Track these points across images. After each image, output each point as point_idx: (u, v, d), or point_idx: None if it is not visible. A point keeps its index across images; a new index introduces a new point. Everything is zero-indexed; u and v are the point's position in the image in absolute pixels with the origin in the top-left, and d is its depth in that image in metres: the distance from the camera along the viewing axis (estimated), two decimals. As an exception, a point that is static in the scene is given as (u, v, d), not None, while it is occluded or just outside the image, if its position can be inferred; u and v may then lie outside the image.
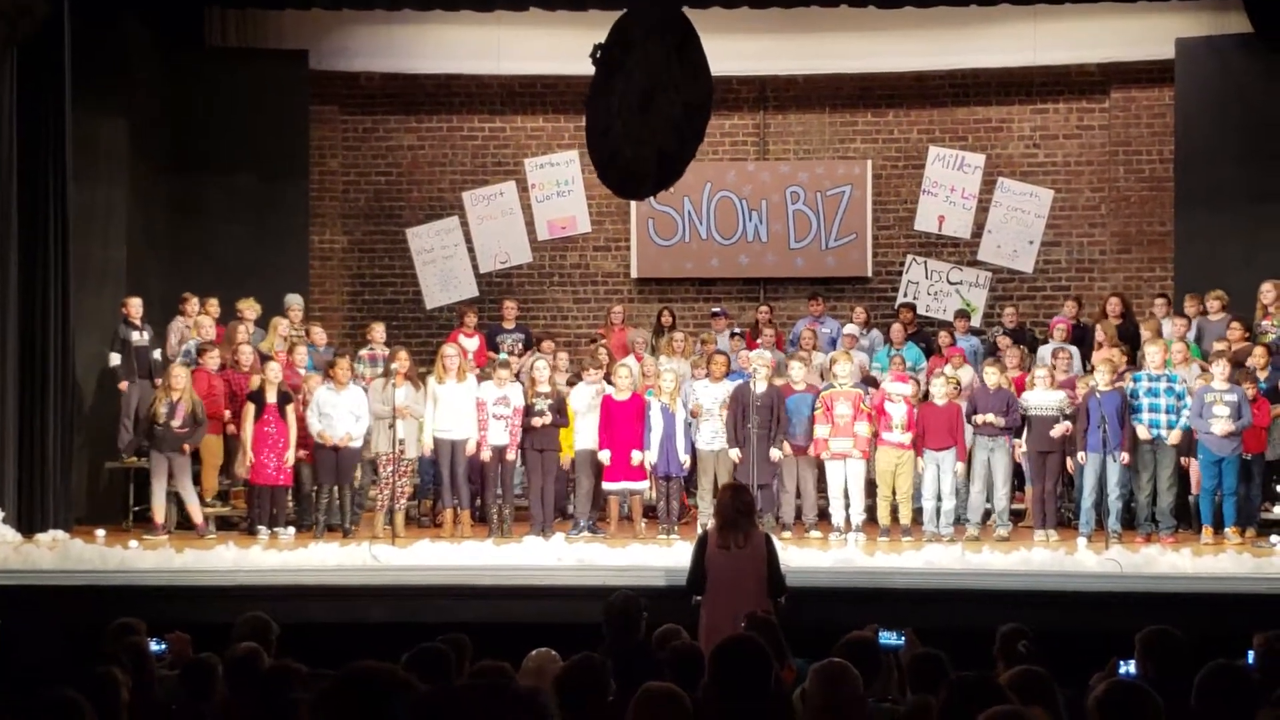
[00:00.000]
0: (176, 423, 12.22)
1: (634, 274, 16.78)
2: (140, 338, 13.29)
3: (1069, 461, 12.23)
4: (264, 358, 13.05)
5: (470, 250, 16.81)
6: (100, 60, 13.45)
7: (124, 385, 13.20)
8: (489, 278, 16.83)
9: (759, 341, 14.57)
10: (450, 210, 16.91)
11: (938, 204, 16.57)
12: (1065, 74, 16.34)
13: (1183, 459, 12.16)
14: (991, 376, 12.47)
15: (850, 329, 14.76)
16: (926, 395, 12.83)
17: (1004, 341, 14.07)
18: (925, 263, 16.55)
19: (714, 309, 15.88)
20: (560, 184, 16.84)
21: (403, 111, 16.95)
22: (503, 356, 13.92)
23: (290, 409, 12.46)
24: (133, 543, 11.49)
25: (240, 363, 13.07)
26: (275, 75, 15.62)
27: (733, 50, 15.38)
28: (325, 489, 12.48)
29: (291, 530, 12.44)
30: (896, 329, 14.79)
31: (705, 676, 5.02)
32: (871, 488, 12.59)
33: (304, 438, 12.57)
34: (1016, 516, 12.84)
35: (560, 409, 12.63)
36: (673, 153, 9.97)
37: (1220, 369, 11.90)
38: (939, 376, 12.68)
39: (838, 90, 16.71)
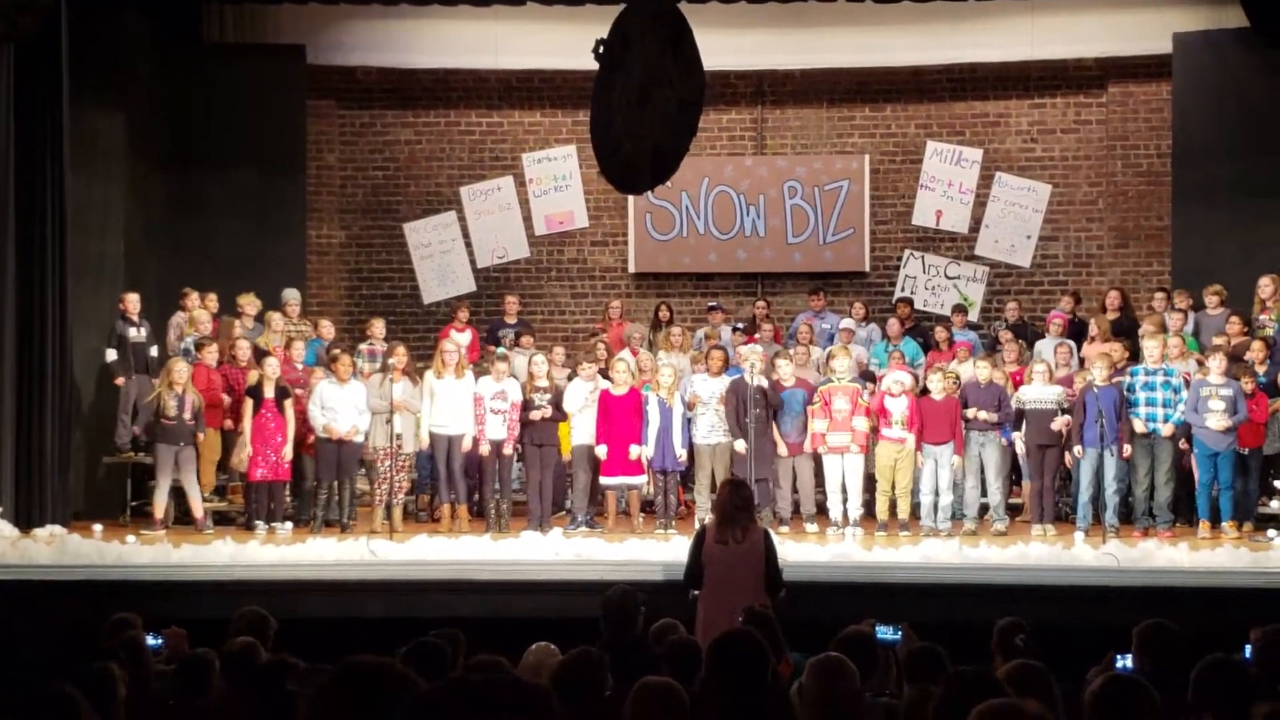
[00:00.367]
0: (186, 415, 12.21)
1: (631, 269, 16.77)
2: (138, 334, 13.28)
3: (1067, 456, 12.24)
4: (261, 353, 13.04)
5: (468, 245, 16.81)
6: (98, 55, 13.44)
7: (120, 380, 13.19)
8: (486, 273, 16.83)
9: (757, 337, 14.56)
10: (448, 205, 16.90)
11: (935, 199, 16.57)
12: (1063, 68, 16.34)
13: (1184, 455, 12.18)
14: (983, 371, 12.49)
15: (847, 323, 14.76)
16: (925, 390, 12.82)
17: (1006, 335, 14.07)
18: (923, 257, 16.55)
19: (710, 304, 15.88)
20: (558, 179, 16.83)
21: (400, 106, 16.94)
22: (501, 350, 13.91)
23: (288, 404, 12.46)
24: (130, 538, 11.51)
25: (237, 358, 13.06)
26: (272, 70, 15.60)
27: (730, 45, 15.43)
28: (325, 484, 12.47)
29: (289, 525, 12.44)
30: (893, 324, 14.79)
31: (703, 671, 5.02)
32: (869, 482, 12.59)
33: (304, 432, 12.57)
34: (1014, 511, 12.86)
35: (558, 403, 12.63)
36: (668, 148, 9.97)
37: (1216, 363, 11.91)
38: (937, 371, 12.69)
39: (835, 85, 16.70)
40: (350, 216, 16.95)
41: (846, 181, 16.54)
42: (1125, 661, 6.04)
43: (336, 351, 12.89)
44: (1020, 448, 12.40)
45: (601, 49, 9.84)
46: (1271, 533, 11.56)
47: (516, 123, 16.95)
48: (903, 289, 16.40)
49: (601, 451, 12.57)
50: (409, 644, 5.67)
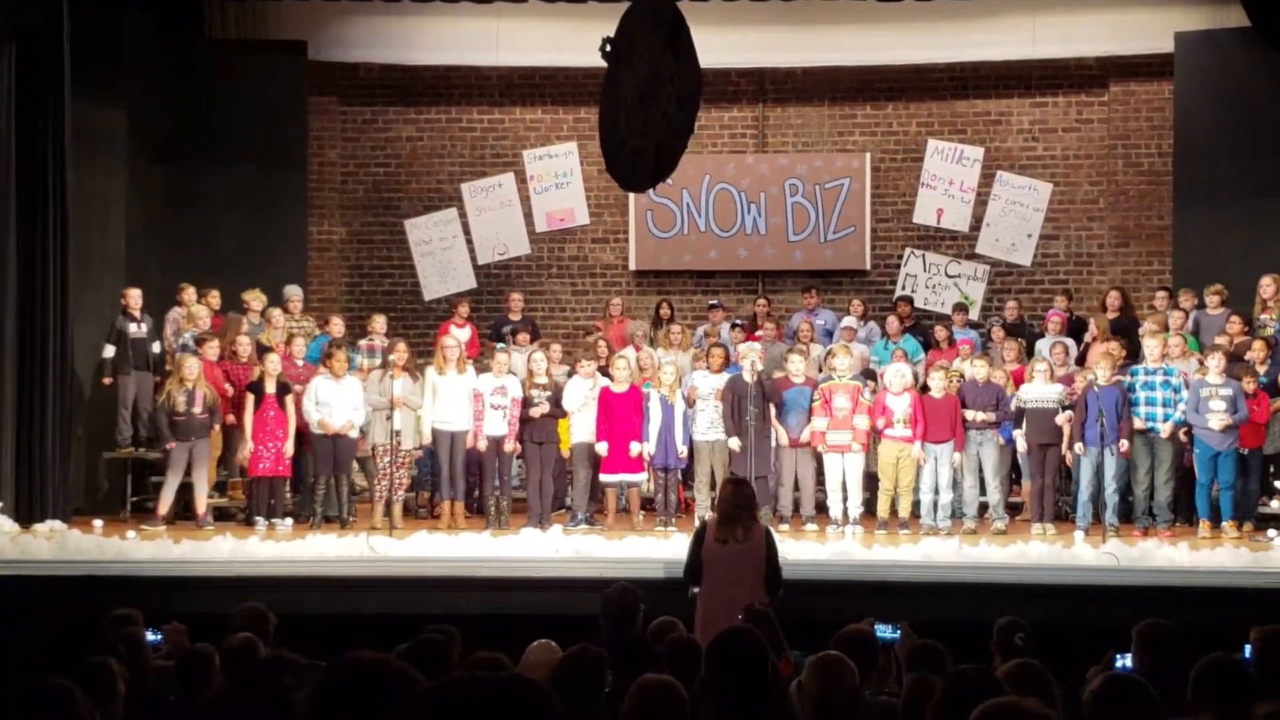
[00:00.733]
0: (198, 409, 12.22)
1: (632, 266, 16.77)
2: (138, 329, 13.28)
3: (1067, 454, 12.24)
4: (263, 349, 13.04)
5: (469, 242, 16.81)
6: (100, 51, 13.44)
7: (107, 380, 13.17)
8: (487, 269, 16.83)
9: (759, 334, 14.57)
10: (449, 202, 16.90)
11: (936, 197, 16.57)
12: (1064, 67, 16.34)
13: (1184, 454, 12.18)
14: (980, 370, 12.49)
15: (848, 321, 14.76)
16: (925, 389, 12.82)
17: (998, 334, 14.08)
18: (923, 256, 16.55)
19: (711, 301, 15.88)
20: (559, 176, 16.83)
21: (401, 102, 16.94)
22: (501, 346, 13.93)
23: (289, 400, 12.47)
24: (130, 533, 11.50)
25: (238, 354, 13.07)
26: (274, 66, 15.60)
27: (732, 42, 15.44)
28: (323, 480, 12.48)
29: (289, 521, 12.44)
30: (893, 322, 14.79)
31: (702, 669, 5.02)
32: (870, 480, 12.59)
33: (304, 428, 12.58)
34: (1014, 510, 12.86)
35: (558, 400, 12.64)
36: (668, 146, 9.98)
37: (1216, 363, 11.91)
38: (938, 370, 12.69)
39: (837, 83, 16.70)
40: (351, 213, 16.96)
41: (848, 179, 16.54)
42: (1125, 661, 6.04)
43: (332, 348, 12.88)
44: (1022, 445, 12.39)
45: (608, 47, 9.85)
46: (1271, 532, 11.56)
47: (518, 119, 16.95)
48: (903, 287, 16.40)
49: (602, 448, 12.57)
50: (409, 641, 5.68)
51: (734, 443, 12.30)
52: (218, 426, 12.64)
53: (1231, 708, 4.59)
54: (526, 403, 12.54)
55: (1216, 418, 11.70)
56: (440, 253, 16.84)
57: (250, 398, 12.42)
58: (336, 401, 12.38)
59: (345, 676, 2.74)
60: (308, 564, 10.70)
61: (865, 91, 16.74)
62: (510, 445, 12.59)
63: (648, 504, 13.12)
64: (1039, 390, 12.34)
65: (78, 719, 3.45)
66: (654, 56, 9.77)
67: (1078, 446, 12.00)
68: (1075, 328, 14.39)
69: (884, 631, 6.59)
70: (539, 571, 10.54)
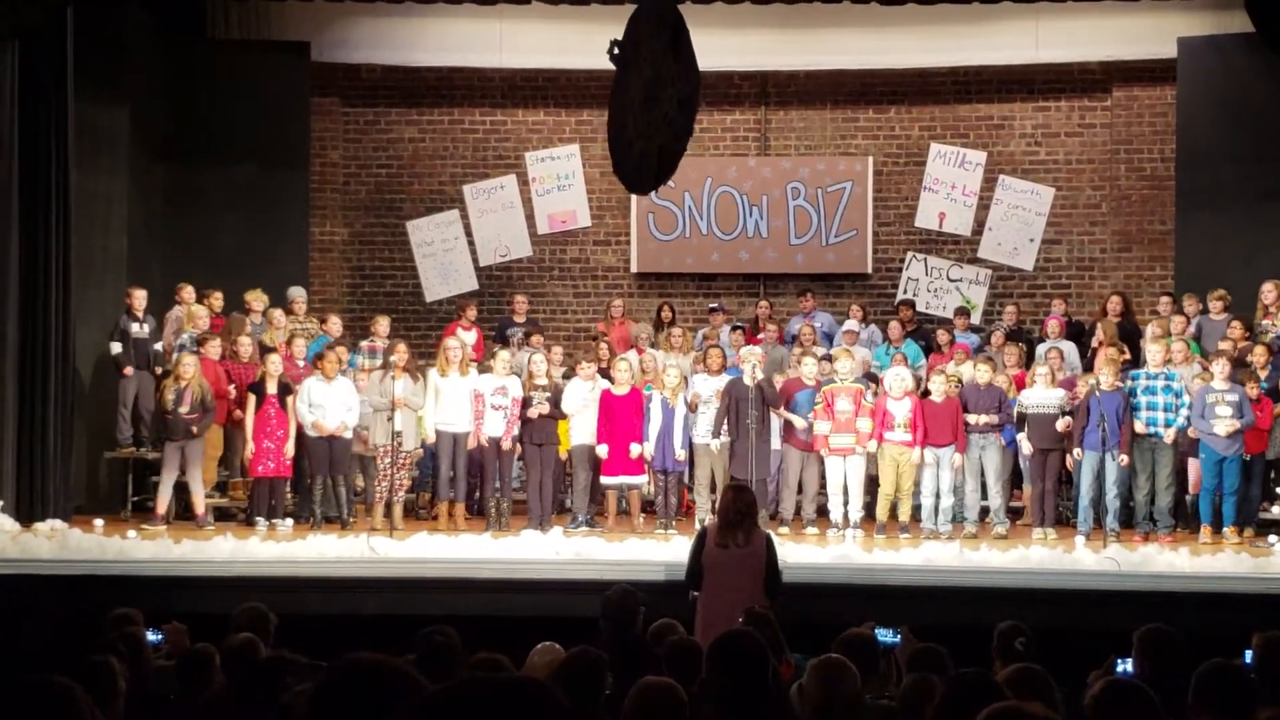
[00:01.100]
0: (185, 409, 12.22)
1: (634, 269, 16.77)
2: (141, 329, 13.29)
3: (1068, 459, 12.24)
4: (265, 349, 13.05)
5: (470, 243, 16.81)
6: (102, 50, 13.46)
7: (128, 371, 13.18)
8: (489, 271, 16.84)
9: (760, 337, 14.56)
10: (451, 203, 16.90)
11: (938, 201, 16.57)
12: (1067, 72, 16.34)
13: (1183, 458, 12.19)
14: (983, 374, 12.48)
15: (849, 325, 14.76)
16: (926, 393, 12.82)
17: (998, 339, 14.07)
18: (925, 260, 16.55)
19: (711, 304, 15.89)
20: (561, 178, 16.83)
21: (404, 104, 16.95)
22: (503, 352, 13.91)
23: (290, 401, 12.47)
24: (131, 533, 11.50)
25: (239, 354, 13.07)
26: (277, 67, 15.61)
27: (735, 45, 15.45)
28: (319, 480, 12.47)
29: (290, 522, 12.44)
30: (895, 326, 14.79)
31: (703, 671, 5.02)
32: (871, 484, 12.58)
33: (301, 430, 12.57)
34: (1015, 514, 12.85)
35: (558, 401, 12.63)
36: (669, 147, 10.00)
37: (1221, 368, 11.91)
38: (939, 374, 12.68)
39: (839, 86, 16.70)
40: (353, 214, 16.96)
41: (850, 183, 16.54)
42: (1126, 666, 6.04)
43: (325, 349, 12.88)
44: (1026, 447, 12.39)
45: (616, 50, 9.86)
46: (1273, 538, 11.54)
47: (520, 121, 16.96)
48: (905, 291, 16.39)
49: (602, 451, 12.57)
50: (408, 642, 5.68)
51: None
52: (217, 426, 12.63)
53: (1232, 713, 4.60)
54: (526, 404, 12.54)
55: (1223, 423, 11.69)
56: (442, 254, 16.84)
57: (251, 398, 12.43)
58: (329, 403, 12.39)
59: (346, 677, 2.74)
60: (308, 564, 10.69)
61: (868, 95, 16.74)
62: (506, 444, 12.56)
63: (648, 506, 13.11)
64: (1040, 395, 12.33)
65: (78, 717, 3.44)
66: (656, 59, 9.80)
67: (1076, 451, 11.99)
68: (1074, 332, 14.39)
69: (884, 636, 6.59)
70: (539, 573, 10.54)
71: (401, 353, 12.67)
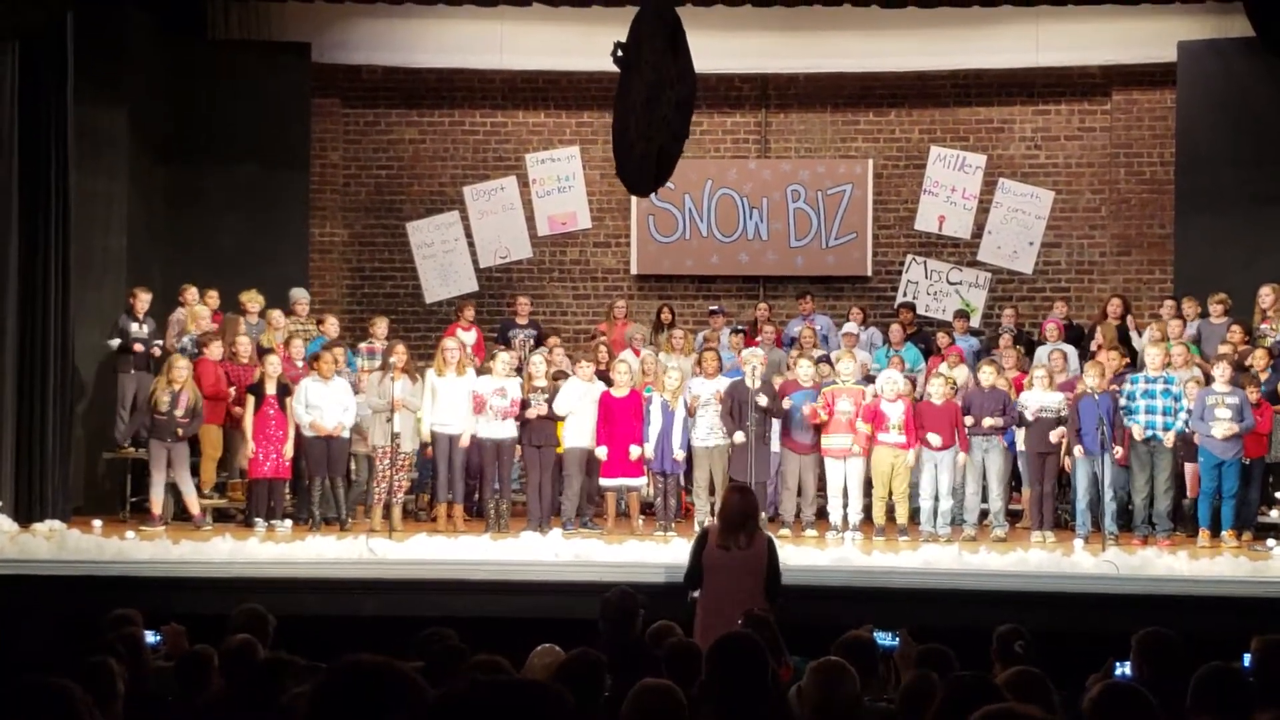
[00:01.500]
0: (179, 412, 12.22)
1: (634, 270, 16.77)
2: (140, 330, 13.29)
3: (1065, 461, 12.25)
4: (264, 350, 13.05)
5: (470, 245, 16.81)
6: (102, 51, 13.45)
7: (149, 349, 13.17)
8: (489, 273, 16.84)
9: (758, 339, 14.57)
10: (451, 205, 16.91)
11: (938, 204, 16.57)
12: (1067, 75, 16.35)
13: (1186, 463, 12.19)
14: (987, 376, 12.48)
15: (849, 327, 14.77)
16: (924, 395, 12.82)
17: (1005, 340, 14.07)
18: (925, 262, 16.56)
19: (711, 307, 15.89)
20: (561, 179, 16.84)
21: (404, 105, 16.95)
22: (504, 356, 13.91)
23: (290, 401, 12.46)
24: (130, 534, 11.49)
25: (238, 354, 13.07)
26: (277, 67, 15.61)
27: (735, 48, 15.46)
28: (317, 481, 12.47)
29: (288, 523, 12.43)
30: (895, 329, 14.80)
31: (702, 674, 5.02)
32: (870, 487, 12.58)
33: (298, 431, 12.57)
34: (1014, 517, 12.85)
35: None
36: (667, 148, 10.01)
37: (1221, 372, 11.91)
38: (937, 376, 12.69)
39: (840, 89, 16.71)
40: (353, 215, 16.96)
41: (849, 186, 16.54)
42: (1124, 669, 6.05)
43: (322, 350, 12.88)
44: (1020, 445, 12.40)
45: (619, 52, 9.87)
46: (1271, 542, 11.56)
47: (520, 123, 16.97)
48: (905, 294, 16.40)
49: (601, 453, 12.55)
50: (414, 644, 5.68)
51: (738, 436, 12.24)
52: (217, 427, 12.63)
53: (1231, 716, 4.60)
54: (525, 405, 12.54)
55: (1221, 425, 11.69)
56: (442, 255, 16.84)
57: (250, 399, 12.43)
58: (326, 403, 12.39)
59: (345, 679, 2.74)
60: (307, 566, 10.69)
61: (868, 98, 16.75)
62: (507, 432, 12.53)
63: (647, 508, 13.11)
64: (1039, 398, 12.34)
65: (76, 718, 3.44)
66: (657, 60, 9.81)
67: (1077, 450, 11.99)
68: (1073, 335, 14.39)
69: (883, 639, 6.59)
70: (538, 575, 10.53)
71: (400, 354, 12.67)
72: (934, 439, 12.19)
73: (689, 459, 12.66)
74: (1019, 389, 12.76)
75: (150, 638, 6.88)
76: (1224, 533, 11.78)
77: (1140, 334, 13.78)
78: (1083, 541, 11.61)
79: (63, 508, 12.45)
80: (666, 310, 15.62)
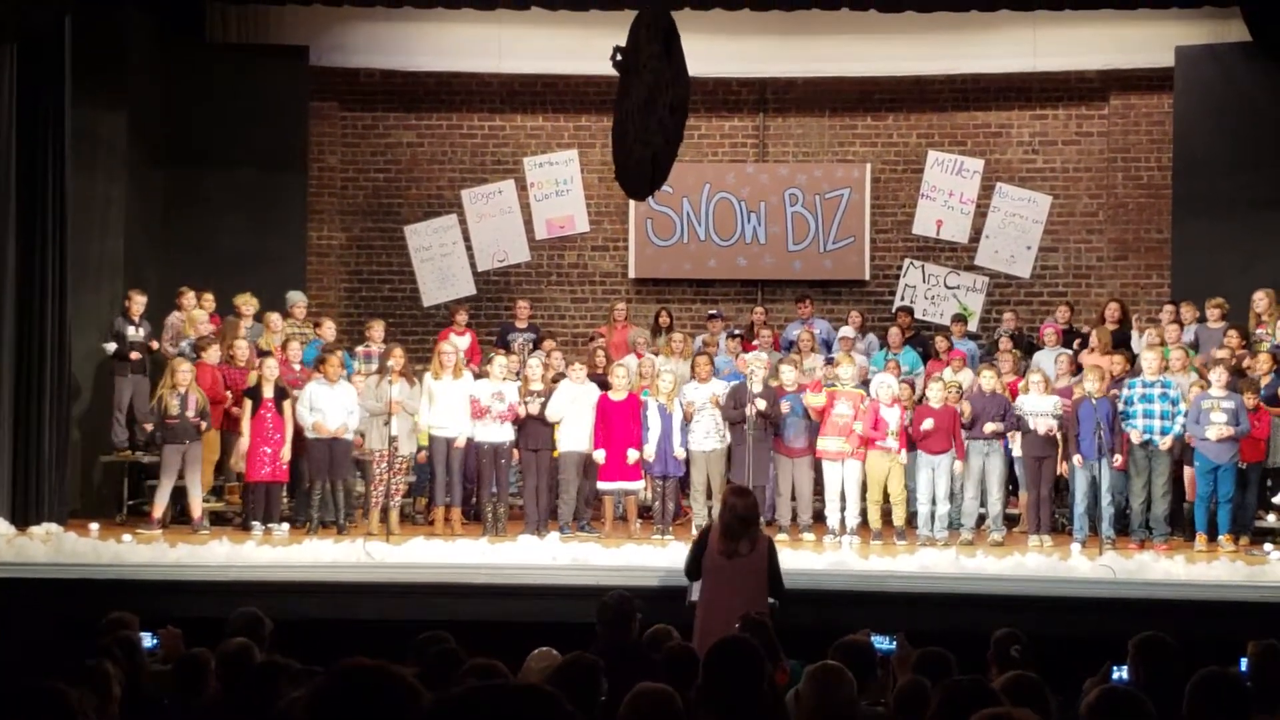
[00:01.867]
0: (190, 413, 12.21)
1: (632, 274, 16.77)
2: (136, 333, 13.28)
3: (1062, 466, 12.25)
4: (262, 353, 13.04)
5: (468, 248, 16.81)
6: (100, 53, 13.45)
7: (136, 355, 13.16)
8: (486, 276, 16.83)
9: (756, 343, 14.57)
10: (449, 208, 16.91)
11: (936, 208, 16.58)
12: (1065, 80, 16.35)
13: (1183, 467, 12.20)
14: (988, 381, 12.49)
15: (845, 331, 14.76)
16: (923, 399, 12.82)
17: (1005, 344, 14.07)
18: (923, 266, 16.56)
19: (710, 311, 15.89)
20: (559, 183, 16.84)
21: (402, 108, 16.94)
22: (500, 359, 13.91)
23: (287, 405, 12.46)
24: (126, 537, 11.49)
25: (236, 358, 13.07)
26: (275, 71, 15.60)
27: (733, 52, 15.47)
28: (318, 484, 12.46)
29: (286, 526, 12.43)
30: (894, 333, 14.78)
31: (700, 677, 5.02)
32: (866, 490, 12.58)
33: (300, 434, 12.57)
34: (1010, 521, 12.85)
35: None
36: (662, 153, 10.03)
37: (1217, 376, 11.92)
38: (936, 380, 12.69)
39: (838, 93, 16.71)
40: (351, 218, 16.95)
41: (847, 190, 16.55)
42: (1121, 673, 6.05)
43: (326, 353, 12.89)
44: (1017, 450, 12.41)
45: (619, 56, 9.88)
46: (1268, 546, 11.57)
47: (518, 127, 16.96)
48: (902, 298, 16.39)
49: (599, 456, 12.55)
50: (412, 647, 5.68)
51: (761, 403, 12.17)
52: (214, 430, 12.64)
53: (1227, 721, 4.60)
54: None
55: (1215, 429, 11.70)
56: (440, 259, 16.83)
57: (248, 402, 12.42)
58: (331, 406, 12.38)
59: (342, 682, 2.74)
60: (304, 569, 10.68)
61: (866, 102, 16.75)
62: (504, 437, 12.53)
63: (645, 512, 13.10)
64: (1035, 402, 12.34)
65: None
66: (654, 64, 9.82)
67: (1063, 466, 12.01)
68: (1072, 340, 14.38)
69: (880, 643, 6.59)
70: (535, 579, 10.53)
71: (398, 357, 12.67)
72: (928, 424, 12.17)
73: (687, 461, 12.67)
74: (1013, 393, 12.75)
75: (147, 641, 6.87)
76: (1221, 537, 11.78)
77: (1142, 334, 13.78)
78: (1080, 546, 11.61)
79: (59, 511, 12.44)
80: (665, 314, 15.62)
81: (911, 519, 12.45)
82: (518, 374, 13.09)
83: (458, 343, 13.86)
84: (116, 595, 9.37)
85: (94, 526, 11.97)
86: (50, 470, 12.47)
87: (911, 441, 12.39)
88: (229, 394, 12.83)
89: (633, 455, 12.50)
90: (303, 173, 16.07)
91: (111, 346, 13.24)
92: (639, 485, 12.81)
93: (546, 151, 16.90)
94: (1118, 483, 12.05)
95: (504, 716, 2.46)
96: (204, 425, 12.38)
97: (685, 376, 13.36)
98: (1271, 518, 12.35)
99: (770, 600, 8.21)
